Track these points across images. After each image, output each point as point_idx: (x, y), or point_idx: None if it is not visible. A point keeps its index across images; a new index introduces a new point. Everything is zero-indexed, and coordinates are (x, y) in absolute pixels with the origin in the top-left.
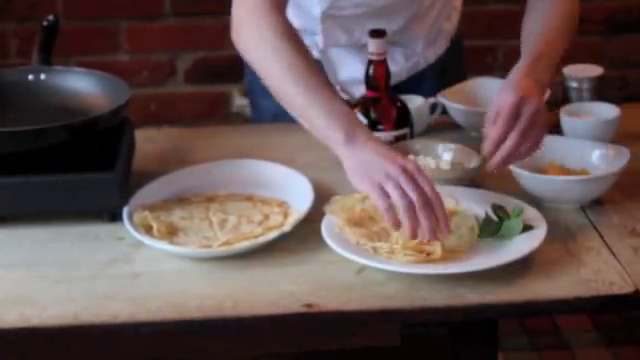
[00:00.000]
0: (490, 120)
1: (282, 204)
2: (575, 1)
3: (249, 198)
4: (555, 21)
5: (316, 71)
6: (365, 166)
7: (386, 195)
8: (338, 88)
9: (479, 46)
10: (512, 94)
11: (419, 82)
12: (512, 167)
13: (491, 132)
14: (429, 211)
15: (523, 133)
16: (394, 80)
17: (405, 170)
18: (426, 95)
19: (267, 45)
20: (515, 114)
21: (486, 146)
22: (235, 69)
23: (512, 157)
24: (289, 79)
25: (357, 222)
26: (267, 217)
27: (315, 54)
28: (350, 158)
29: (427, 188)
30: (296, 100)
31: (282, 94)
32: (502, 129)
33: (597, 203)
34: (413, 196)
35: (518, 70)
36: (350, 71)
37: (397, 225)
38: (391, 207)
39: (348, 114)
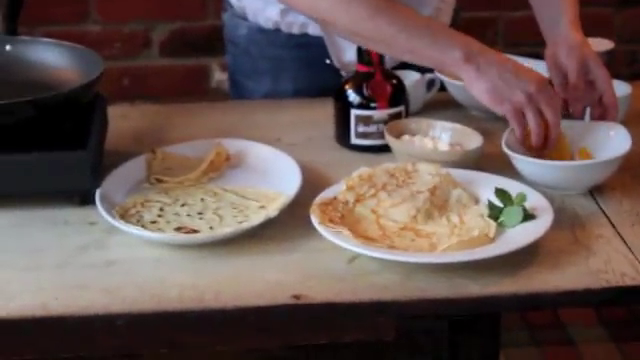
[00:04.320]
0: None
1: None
2: None
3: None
4: None
5: (395, 4)
6: (500, 85)
7: (523, 120)
8: (343, 72)
9: (478, 18)
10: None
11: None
12: (507, 151)
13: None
14: (558, 129)
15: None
16: (393, 61)
17: (541, 87)
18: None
19: None
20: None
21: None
22: (214, 41)
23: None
24: (378, 21)
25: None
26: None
27: (322, 34)
28: (479, 77)
29: (556, 104)
30: (397, 40)
31: (374, 39)
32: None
33: (607, 187)
34: (549, 117)
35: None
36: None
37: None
38: (525, 132)
39: (451, 31)
